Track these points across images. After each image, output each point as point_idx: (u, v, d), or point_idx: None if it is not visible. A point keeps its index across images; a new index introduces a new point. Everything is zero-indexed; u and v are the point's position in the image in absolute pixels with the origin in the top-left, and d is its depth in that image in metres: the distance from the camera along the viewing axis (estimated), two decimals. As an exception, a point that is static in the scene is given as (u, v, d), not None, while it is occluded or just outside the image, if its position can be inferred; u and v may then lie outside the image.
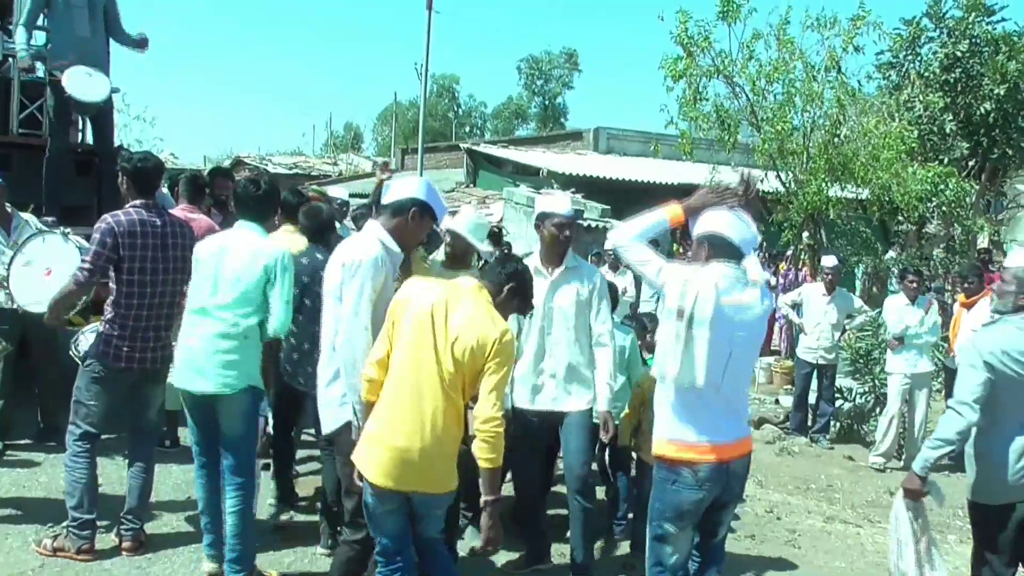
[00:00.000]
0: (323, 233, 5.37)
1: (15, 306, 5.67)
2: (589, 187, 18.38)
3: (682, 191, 4.22)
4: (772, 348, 14.31)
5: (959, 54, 17.49)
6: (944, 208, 15.73)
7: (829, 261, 9.90)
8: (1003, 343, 4.02)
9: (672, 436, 3.61)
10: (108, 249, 4.54)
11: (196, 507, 5.42)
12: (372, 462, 3.47)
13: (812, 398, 9.71)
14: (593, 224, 15.29)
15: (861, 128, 13.43)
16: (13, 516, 5.20)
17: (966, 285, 8.65)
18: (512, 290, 3.66)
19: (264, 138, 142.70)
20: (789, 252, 14.65)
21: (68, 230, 5.95)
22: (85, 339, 4.86)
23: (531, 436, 4.81)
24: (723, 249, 3.63)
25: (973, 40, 17.52)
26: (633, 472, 5.71)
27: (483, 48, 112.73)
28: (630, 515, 5.65)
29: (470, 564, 4.86)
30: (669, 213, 3.74)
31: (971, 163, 18.03)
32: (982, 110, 17.27)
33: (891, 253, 16.70)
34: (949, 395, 8.43)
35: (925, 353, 8.81)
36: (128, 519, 4.80)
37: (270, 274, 4.38)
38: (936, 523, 7.11)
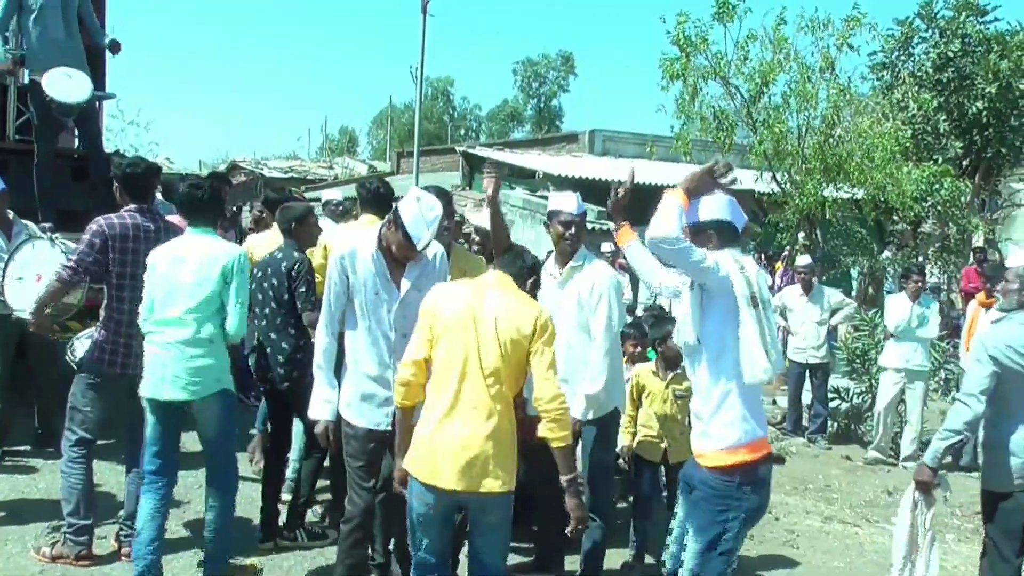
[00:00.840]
0: None
1: (9, 312, 5.65)
2: (585, 189, 18.15)
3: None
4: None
5: (951, 54, 17.54)
6: (939, 207, 15.76)
7: (802, 260, 10.17)
8: (1008, 338, 4.28)
9: (744, 440, 3.32)
10: (96, 251, 4.54)
11: (195, 510, 5.44)
12: (428, 463, 3.42)
13: (808, 398, 9.73)
14: (590, 226, 15.25)
15: (855, 128, 13.46)
16: (12, 521, 5.20)
17: (988, 285, 8.59)
18: (533, 282, 3.76)
19: (259, 142, 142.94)
20: (785, 253, 14.67)
21: (57, 235, 5.92)
22: (80, 345, 4.84)
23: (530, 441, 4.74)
24: (728, 235, 3.47)
25: (965, 40, 17.56)
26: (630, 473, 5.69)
27: (478, 51, 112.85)
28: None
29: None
30: (680, 199, 3.37)
31: (965, 162, 18.08)
32: (975, 109, 17.31)
33: (887, 253, 16.73)
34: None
35: (921, 350, 8.82)
36: (127, 524, 4.77)
37: (227, 277, 4.37)
38: (933, 523, 7.15)
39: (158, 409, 4.38)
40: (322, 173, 34.83)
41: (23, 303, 5.40)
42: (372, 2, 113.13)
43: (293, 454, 5.50)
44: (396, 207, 3.94)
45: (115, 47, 7.73)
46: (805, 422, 9.76)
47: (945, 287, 16.69)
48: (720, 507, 3.36)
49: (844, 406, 10.11)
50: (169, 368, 4.32)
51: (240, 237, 7.68)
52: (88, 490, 4.71)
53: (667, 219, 3.27)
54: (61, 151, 8.03)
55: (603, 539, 4.77)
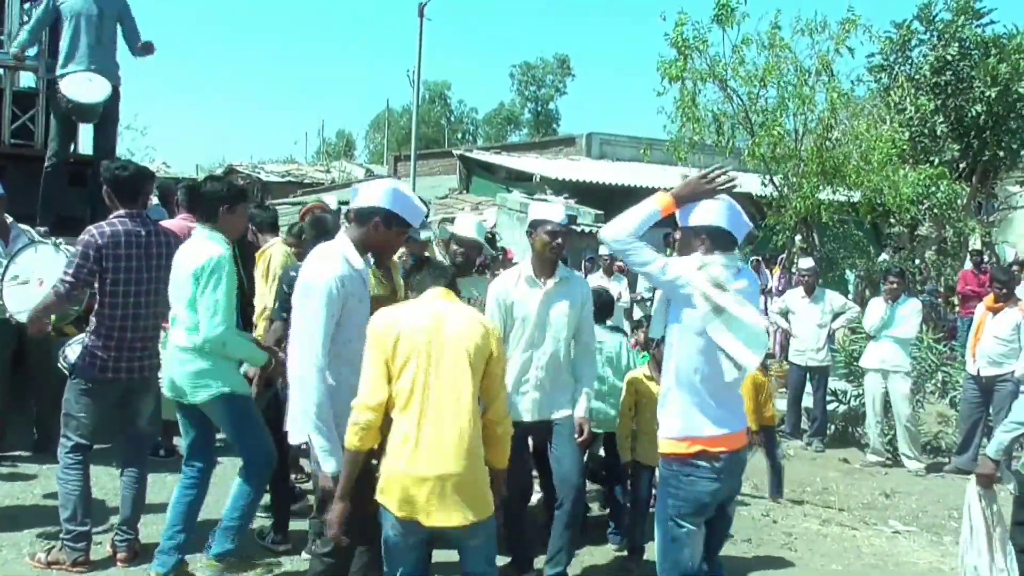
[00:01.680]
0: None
1: (8, 315, 5.65)
2: (582, 192, 18.43)
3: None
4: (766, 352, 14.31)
5: (949, 57, 17.54)
6: (936, 210, 15.78)
7: (805, 263, 10.14)
8: None
9: (686, 433, 3.52)
10: (90, 262, 4.52)
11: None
12: (404, 498, 3.27)
13: (809, 401, 9.74)
14: (587, 229, 15.30)
15: (852, 131, 13.46)
16: (8, 528, 5.17)
17: (996, 288, 8.58)
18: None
19: (256, 146, 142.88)
20: (783, 256, 14.67)
21: (61, 240, 5.92)
22: (72, 351, 4.81)
23: (516, 446, 4.75)
24: (722, 241, 3.54)
25: (963, 43, 17.57)
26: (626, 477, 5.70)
27: (475, 55, 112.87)
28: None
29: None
30: (660, 204, 3.55)
31: (962, 165, 18.09)
32: (973, 112, 17.32)
33: (884, 256, 16.74)
34: (973, 401, 8.48)
35: (899, 350, 8.82)
36: (122, 530, 4.76)
37: (198, 280, 4.29)
38: (931, 524, 7.16)
39: (179, 408, 4.54)
40: (319, 177, 34.79)
41: (21, 305, 5.40)
42: (369, 6, 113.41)
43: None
44: (375, 209, 3.70)
45: (146, 48, 7.74)
46: (804, 425, 9.77)
47: (941, 289, 16.69)
48: (669, 491, 3.58)
49: (842, 409, 10.11)
50: (172, 371, 4.43)
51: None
52: (85, 496, 4.68)
53: (625, 221, 3.51)
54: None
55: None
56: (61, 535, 4.67)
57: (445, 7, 76.47)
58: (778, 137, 13.19)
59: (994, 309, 8.35)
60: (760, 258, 14.90)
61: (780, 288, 13.86)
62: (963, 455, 8.51)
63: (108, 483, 5.67)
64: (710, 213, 3.54)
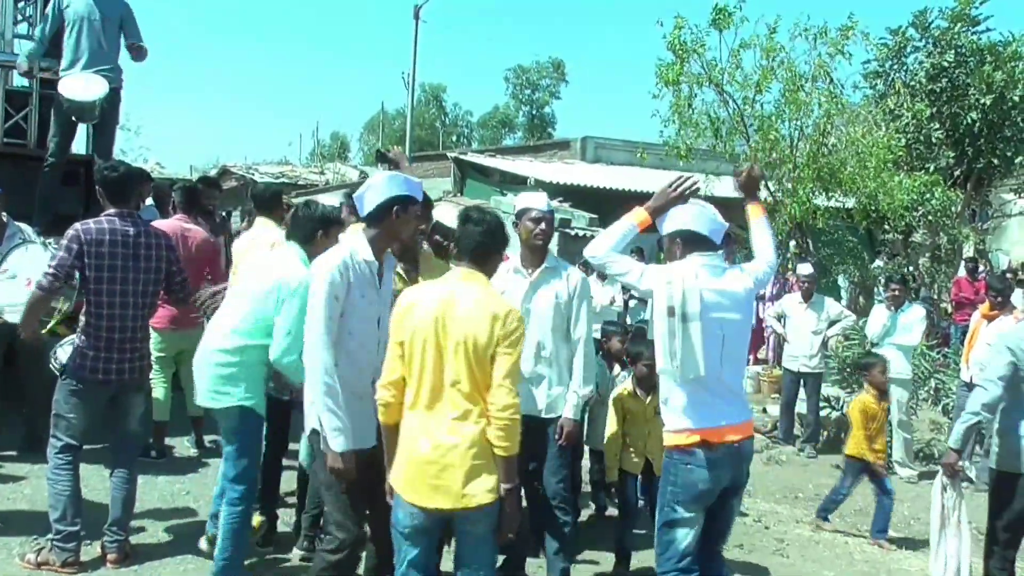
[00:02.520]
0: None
1: (-1, 316, 5.62)
2: (577, 196, 18.39)
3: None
4: (760, 357, 14.34)
5: (945, 64, 17.55)
6: (930, 217, 15.79)
7: (804, 269, 10.15)
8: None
9: (683, 426, 3.78)
10: (73, 256, 4.52)
11: (182, 517, 5.48)
12: (408, 480, 3.38)
13: (803, 407, 9.73)
14: (581, 233, 15.30)
15: (848, 137, 13.47)
16: (-3, 528, 5.15)
17: (992, 296, 8.54)
18: (492, 248, 3.57)
19: (251, 147, 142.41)
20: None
21: (50, 240, 5.90)
22: (63, 351, 4.80)
23: None
24: (695, 242, 3.86)
25: (959, 50, 17.58)
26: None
27: (470, 57, 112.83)
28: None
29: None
30: (636, 219, 3.97)
31: (957, 172, 18.09)
32: (968, 120, 17.33)
33: (878, 262, 16.75)
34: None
35: (901, 357, 8.81)
36: (112, 531, 4.75)
37: (281, 297, 4.26)
38: (923, 532, 7.15)
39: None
40: (313, 178, 34.71)
41: (6, 300, 5.39)
42: (364, 8, 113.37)
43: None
44: (389, 200, 3.77)
45: (136, 52, 7.71)
46: (797, 431, 9.77)
47: (935, 296, 16.70)
48: (668, 479, 3.84)
49: (835, 415, 10.11)
50: (200, 371, 4.49)
51: (228, 241, 7.65)
52: (75, 496, 4.67)
53: (606, 239, 3.94)
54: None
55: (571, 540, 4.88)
56: (51, 535, 4.65)
57: (440, 9, 76.60)
58: (773, 141, 13.20)
59: (990, 317, 8.36)
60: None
61: (774, 293, 13.86)
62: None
63: (99, 484, 5.64)
64: (680, 219, 3.91)
